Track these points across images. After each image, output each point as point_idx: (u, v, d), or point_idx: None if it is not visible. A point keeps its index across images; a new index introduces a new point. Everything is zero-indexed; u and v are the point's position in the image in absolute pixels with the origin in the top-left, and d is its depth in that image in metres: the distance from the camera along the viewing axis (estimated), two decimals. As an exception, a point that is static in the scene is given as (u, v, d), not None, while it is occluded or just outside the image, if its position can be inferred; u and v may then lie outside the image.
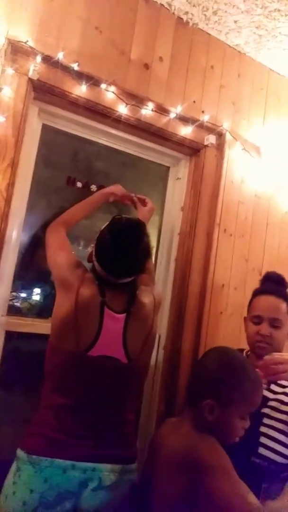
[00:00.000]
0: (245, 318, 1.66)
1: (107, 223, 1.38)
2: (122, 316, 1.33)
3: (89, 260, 1.43)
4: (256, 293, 1.64)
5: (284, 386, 1.44)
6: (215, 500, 1.02)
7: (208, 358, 1.27)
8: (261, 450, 1.35)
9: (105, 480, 1.22)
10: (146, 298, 1.42)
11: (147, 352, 1.40)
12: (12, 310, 1.77)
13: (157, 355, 2.05)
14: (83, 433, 1.23)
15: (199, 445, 1.09)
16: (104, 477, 1.22)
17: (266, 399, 1.42)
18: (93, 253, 1.39)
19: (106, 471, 1.22)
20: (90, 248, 1.45)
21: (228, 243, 2.12)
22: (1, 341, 1.69)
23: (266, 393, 1.42)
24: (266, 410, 1.40)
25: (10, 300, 1.77)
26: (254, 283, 2.18)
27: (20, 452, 1.22)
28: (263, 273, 2.23)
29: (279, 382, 1.43)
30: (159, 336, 2.06)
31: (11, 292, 1.77)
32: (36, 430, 1.25)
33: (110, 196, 1.73)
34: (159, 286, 2.08)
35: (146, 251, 1.37)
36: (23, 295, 1.84)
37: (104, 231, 1.36)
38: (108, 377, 1.29)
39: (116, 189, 1.74)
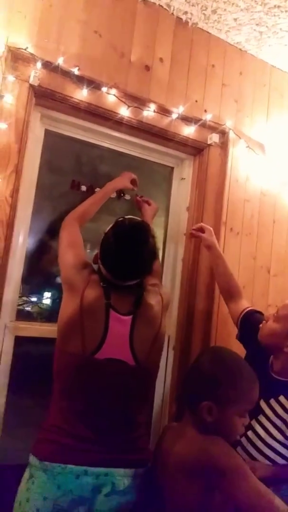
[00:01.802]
0: None
1: (111, 225, 1.37)
2: (129, 318, 1.31)
3: (95, 262, 1.42)
4: None
5: (279, 403, 1.41)
6: (239, 504, 1.02)
7: (202, 359, 1.25)
8: None
9: (118, 485, 1.20)
10: (153, 299, 1.39)
11: (156, 354, 1.37)
12: (23, 315, 1.78)
13: (167, 355, 2.05)
14: (94, 437, 1.22)
15: (211, 449, 1.07)
16: (117, 481, 1.20)
17: (259, 410, 1.40)
18: (98, 255, 1.38)
19: (119, 476, 1.21)
20: (97, 250, 1.45)
21: (235, 242, 2.11)
22: (11, 346, 1.70)
23: (262, 404, 1.40)
24: (255, 426, 1.39)
25: (21, 304, 1.78)
26: (263, 280, 2.18)
27: (32, 459, 1.21)
28: (272, 271, 2.23)
29: (279, 398, 1.41)
30: (169, 337, 2.06)
31: (22, 297, 1.78)
32: (47, 436, 1.24)
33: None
34: (167, 287, 2.08)
35: (151, 253, 1.35)
36: (34, 299, 1.85)
37: (108, 233, 1.34)
38: (116, 380, 1.27)
39: (126, 182, 1.82)
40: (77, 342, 1.26)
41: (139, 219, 1.44)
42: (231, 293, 1.78)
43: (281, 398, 1.40)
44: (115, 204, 1.91)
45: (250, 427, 1.38)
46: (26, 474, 1.22)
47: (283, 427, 1.37)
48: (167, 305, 1.50)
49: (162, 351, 1.43)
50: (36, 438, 1.26)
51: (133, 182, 1.87)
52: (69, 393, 1.28)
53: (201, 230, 1.87)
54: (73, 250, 1.44)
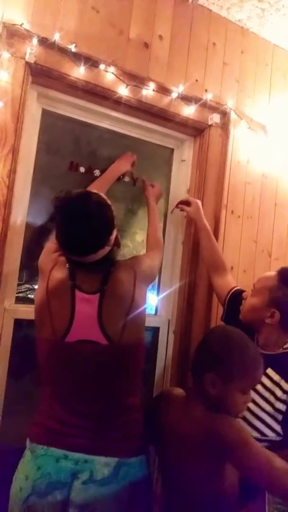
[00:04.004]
0: None
1: None
2: (95, 296, 1.25)
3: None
4: None
5: (267, 376, 1.42)
6: (245, 471, 1.10)
7: (210, 336, 1.30)
8: None
9: (96, 474, 1.15)
10: (123, 274, 1.32)
11: (132, 330, 1.28)
12: (24, 300, 1.77)
13: (167, 339, 2.03)
14: (77, 422, 1.20)
15: (220, 428, 1.11)
16: (95, 470, 1.16)
17: None
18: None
19: (99, 464, 1.16)
20: None
21: (236, 225, 2.08)
22: (11, 329, 1.68)
23: None
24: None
25: (23, 292, 1.76)
26: (264, 264, 2.16)
27: (27, 439, 1.24)
28: (273, 254, 2.21)
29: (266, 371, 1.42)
30: (169, 321, 2.04)
31: (23, 284, 1.76)
32: (36, 419, 1.26)
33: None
34: (167, 270, 2.06)
35: (102, 224, 1.24)
36: (36, 286, 1.82)
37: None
38: (90, 362, 1.23)
39: (129, 165, 1.85)
40: (47, 326, 1.24)
41: (81, 190, 1.32)
42: (215, 267, 1.81)
43: (269, 371, 1.41)
44: (115, 187, 1.88)
45: None
46: (23, 454, 1.24)
47: (271, 398, 1.38)
48: (142, 278, 1.38)
49: (143, 326, 1.35)
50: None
51: (132, 163, 1.88)
52: (49, 379, 1.27)
53: (187, 203, 1.90)
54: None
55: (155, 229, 1.77)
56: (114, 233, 1.31)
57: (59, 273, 1.28)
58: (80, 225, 1.21)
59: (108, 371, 1.25)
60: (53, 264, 1.31)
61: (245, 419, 1.38)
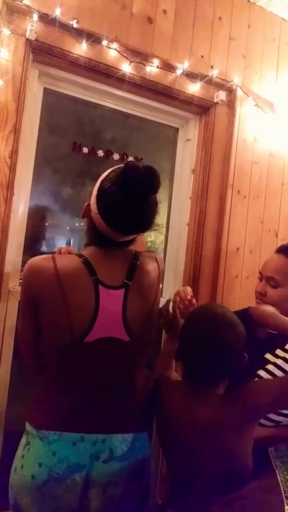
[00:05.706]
0: None
1: (113, 168, 1.14)
2: (120, 292, 1.16)
3: (85, 214, 1.19)
4: (275, 251, 1.52)
5: (286, 351, 1.40)
6: (274, 405, 1.11)
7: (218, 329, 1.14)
8: None
9: (116, 451, 1.17)
10: (150, 266, 1.24)
11: (152, 323, 1.24)
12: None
13: (172, 321, 2.03)
14: (90, 406, 1.18)
15: (250, 397, 1.09)
16: (115, 448, 1.17)
17: (266, 362, 1.38)
18: (93, 206, 1.14)
19: (117, 441, 1.17)
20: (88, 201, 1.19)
21: (242, 205, 2.06)
22: (15, 311, 1.69)
23: (269, 356, 1.39)
24: (261, 373, 1.36)
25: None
26: (270, 245, 2.13)
27: (28, 426, 1.19)
28: (280, 234, 2.18)
29: (285, 347, 1.40)
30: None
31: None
32: (41, 407, 1.19)
33: None
34: (172, 252, 2.05)
35: (156, 205, 1.16)
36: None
37: (112, 179, 1.11)
38: (110, 358, 1.18)
39: None
40: (63, 327, 1.12)
41: (147, 165, 1.13)
42: None
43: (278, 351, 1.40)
44: (100, 167, 1.83)
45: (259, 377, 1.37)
46: (22, 441, 1.19)
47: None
48: (163, 272, 1.34)
49: (156, 318, 1.29)
50: (31, 406, 1.21)
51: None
52: (60, 374, 1.20)
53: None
54: None
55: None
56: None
57: (70, 268, 1.14)
58: (147, 203, 1.12)
59: (126, 364, 1.21)
60: (52, 261, 1.13)
61: None
